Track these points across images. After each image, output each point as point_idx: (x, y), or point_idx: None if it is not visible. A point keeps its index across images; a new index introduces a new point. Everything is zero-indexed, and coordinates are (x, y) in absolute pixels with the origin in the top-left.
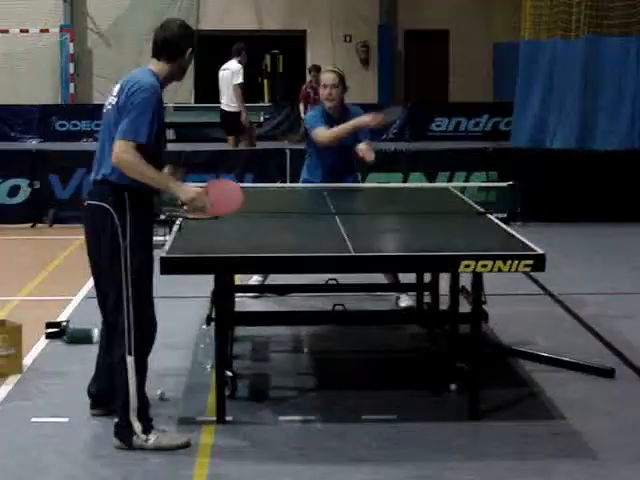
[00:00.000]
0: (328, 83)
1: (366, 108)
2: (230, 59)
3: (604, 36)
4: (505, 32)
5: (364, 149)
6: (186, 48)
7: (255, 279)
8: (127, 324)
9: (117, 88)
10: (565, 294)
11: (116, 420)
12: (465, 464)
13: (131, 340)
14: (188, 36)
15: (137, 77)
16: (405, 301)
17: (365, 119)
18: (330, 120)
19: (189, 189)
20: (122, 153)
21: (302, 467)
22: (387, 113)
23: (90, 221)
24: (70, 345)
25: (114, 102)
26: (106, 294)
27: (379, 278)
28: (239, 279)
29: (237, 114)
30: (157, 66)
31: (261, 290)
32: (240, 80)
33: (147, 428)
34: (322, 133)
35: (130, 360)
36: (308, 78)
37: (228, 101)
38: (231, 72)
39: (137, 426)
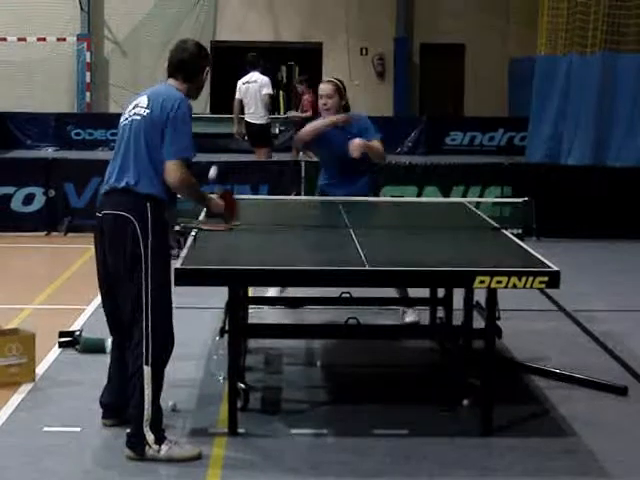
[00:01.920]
0: (323, 94)
1: (381, 121)
2: (249, 71)
3: (620, 53)
4: (521, 47)
5: (352, 143)
6: (203, 68)
7: (273, 292)
8: (145, 334)
9: (144, 100)
10: (579, 310)
11: (129, 430)
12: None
13: (149, 350)
14: (204, 56)
15: (169, 93)
16: (410, 316)
17: (338, 117)
18: (331, 130)
19: (219, 202)
20: (182, 175)
21: None
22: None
23: (108, 230)
24: (83, 354)
25: (144, 113)
26: (121, 304)
27: (393, 292)
28: (252, 291)
29: (265, 126)
30: (176, 84)
31: (275, 302)
32: (270, 91)
33: (160, 439)
34: (299, 134)
35: (147, 370)
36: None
37: (256, 113)
38: (259, 84)
39: (150, 437)
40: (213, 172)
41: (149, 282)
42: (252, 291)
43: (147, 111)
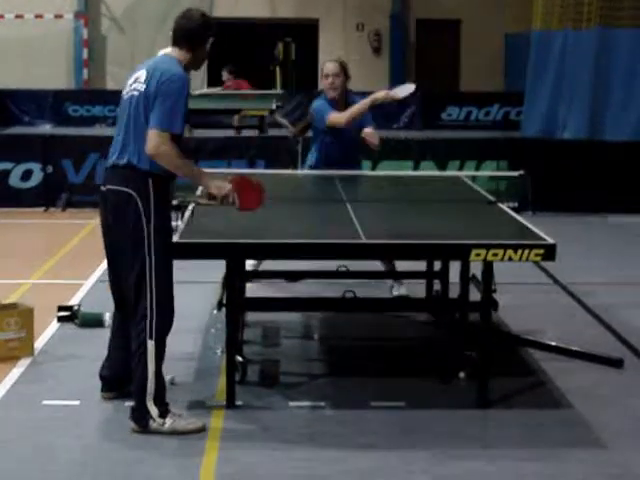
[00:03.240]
0: (330, 72)
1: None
2: None
3: (615, 28)
4: (517, 22)
5: (369, 134)
6: (207, 38)
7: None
8: (150, 309)
9: (143, 74)
10: (574, 283)
11: (132, 404)
12: (474, 452)
13: (153, 325)
14: (210, 26)
15: (166, 66)
16: (399, 289)
17: (380, 94)
18: (334, 109)
19: (222, 185)
20: (160, 145)
21: (311, 452)
22: (402, 89)
23: (111, 206)
24: (81, 329)
25: (142, 89)
26: (124, 279)
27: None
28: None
29: None
30: (179, 54)
31: (271, 276)
32: None
33: (163, 412)
34: (336, 115)
35: (150, 344)
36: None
37: None
38: None
39: (154, 410)
40: None
41: (152, 258)
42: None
43: (144, 86)
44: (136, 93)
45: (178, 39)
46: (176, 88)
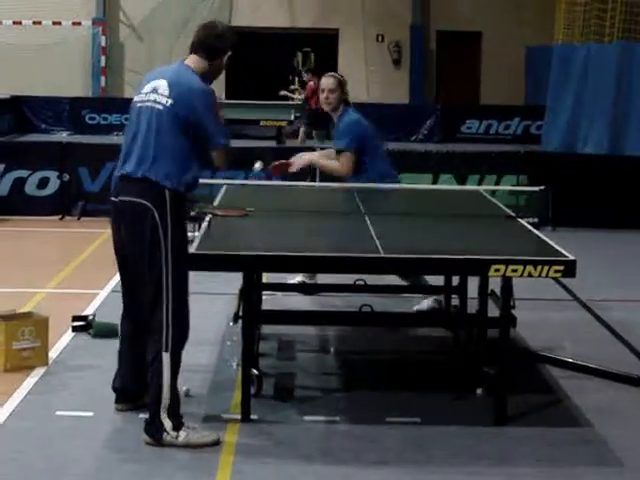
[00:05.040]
0: (326, 87)
1: (397, 108)
2: None
3: (638, 42)
4: (538, 35)
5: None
6: (227, 50)
7: (300, 276)
8: (165, 321)
9: (163, 86)
10: (593, 300)
11: (146, 416)
12: (490, 469)
13: (169, 337)
14: (231, 39)
15: (189, 80)
16: (420, 304)
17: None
18: (333, 123)
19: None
20: (225, 161)
21: (325, 468)
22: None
23: (126, 218)
24: (96, 339)
25: (166, 103)
26: (140, 292)
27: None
28: (266, 277)
29: None
30: (195, 63)
31: (289, 289)
32: None
33: (177, 425)
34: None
35: (166, 357)
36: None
37: None
38: None
39: (167, 423)
40: (258, 165)
41: (169, 270)
42: (266, 277)
43: (170, 101)
44: (159, 107)
45: (198, 48)
46: (212, 102)
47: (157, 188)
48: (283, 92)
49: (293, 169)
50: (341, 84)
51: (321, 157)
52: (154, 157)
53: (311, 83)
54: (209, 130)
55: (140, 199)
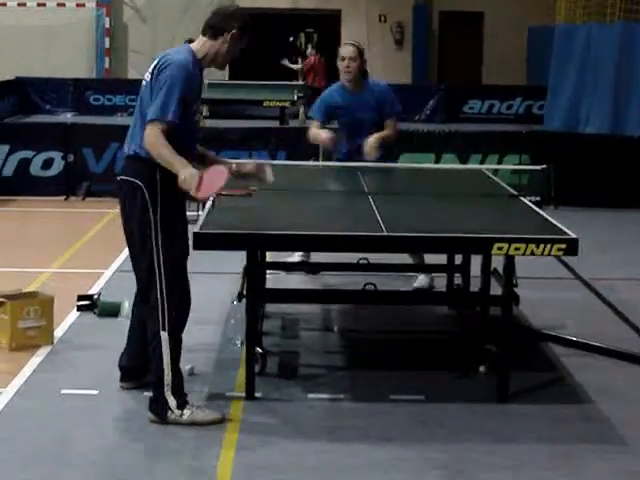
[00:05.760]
0: (346, 56)
1: (400, 89)
2: None
3: (638, 23)
4: (540, 15)
5: (368, 145)
6: (230, 28)
7: (297, 255)
8: (160, 299)
9: (153, 65)
10: (596, 279)
11: (150, 395)
12: (493, 446)
13: (165, 316)
14: (236, 18)
15: (170, 54)
16: (418, 282)
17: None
18: (346, 95)
19: (185, 171)
20: (147, 136)
21: (329, 445)
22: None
23: (123, 195)
24: (101, 318)
25: (148, 79)
26: (138, 269)
27: (410, 258)
28: (269, 256)
29: None
30: (199, 43)
31: (292, 267)
32: None
33: (182, 403)
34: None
35: (164, 336)
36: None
37: None
38: None
39: (172, 401)
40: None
41: (160, 248)
42: (269, 256)
43: (149, 76)
44: (144, 83)
45: (205, 29)
46: (171, 75)
47: (146, 165)
48: (284, 61)
49: (372, 156)
50: (361, 53)
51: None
52: (140, 132)
53: (311, 58)
54: (153, 99)
55: (132, 177)
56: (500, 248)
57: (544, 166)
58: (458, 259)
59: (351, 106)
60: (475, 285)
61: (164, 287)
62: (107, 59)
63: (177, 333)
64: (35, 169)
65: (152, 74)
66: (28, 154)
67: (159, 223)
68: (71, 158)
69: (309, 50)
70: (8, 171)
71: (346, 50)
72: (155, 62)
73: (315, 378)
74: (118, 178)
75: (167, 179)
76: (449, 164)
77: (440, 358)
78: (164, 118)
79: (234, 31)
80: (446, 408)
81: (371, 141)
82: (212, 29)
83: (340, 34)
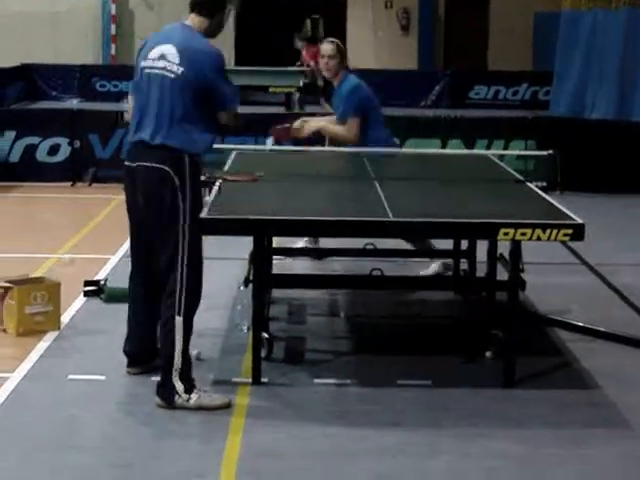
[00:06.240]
0: (325, 54)
1: (406, 74)
2: None
3: None
4: (546, 1)
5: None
6: (226, 4)
7: (303, 241)
8: (180, 285)
9: (172, 53)
10: (602, 264)
11: (158, 379)
12: (499, 431)
13: (182, 301)
14: None
15: (198, 42)
16: (425, 271)
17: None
18: (331, 88)
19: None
20: (236, 124)
21: (336, 430)
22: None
23: (145, 182)
24: (107, 303)
25: (178, 72)
26: (156, 256)
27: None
28: (276, 242)
29: None
30: (196, 22)
31: (299, 253)
32: None
33: (189, 388)
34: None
35: (179, 321)
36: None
37: None
38: None
39: (179, 386)
40: (270, 142)
41: (187, 234)
42: (276, 242)
43: (181, 69)
44: (170, 75)
45: (196, 5)
46: (222, 66)
47: (177, 153)
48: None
49: (304, 134)
50: (340, 50)
51: (329, 123)
52: (169, 125)
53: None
54: (220, 92)
55: (160, 164)
56: (506, 233)
57: (550, 151)
58: (464, 244)
59: (334, 101)
60: (481, 270)
61: (185, 273)
62: (113, 45)
63: (191, 318)
64: (41, 155)
65: (185, 68)
66: (34, 140)
67: (188, 209)
68: (77, 144)
69: (320, 34)
70: (15, 157)
71: (325, 48)
72: (180, 53)
73: (321, 363)
74: (135, 164)
75: (193, 166)
76: (455, 150)
77: (446, 343)
78: (237, 106)
79: (229, 7)
80: (453, 393)
81: (310, 123)
82: (208, 7)
83: (346, 20)
